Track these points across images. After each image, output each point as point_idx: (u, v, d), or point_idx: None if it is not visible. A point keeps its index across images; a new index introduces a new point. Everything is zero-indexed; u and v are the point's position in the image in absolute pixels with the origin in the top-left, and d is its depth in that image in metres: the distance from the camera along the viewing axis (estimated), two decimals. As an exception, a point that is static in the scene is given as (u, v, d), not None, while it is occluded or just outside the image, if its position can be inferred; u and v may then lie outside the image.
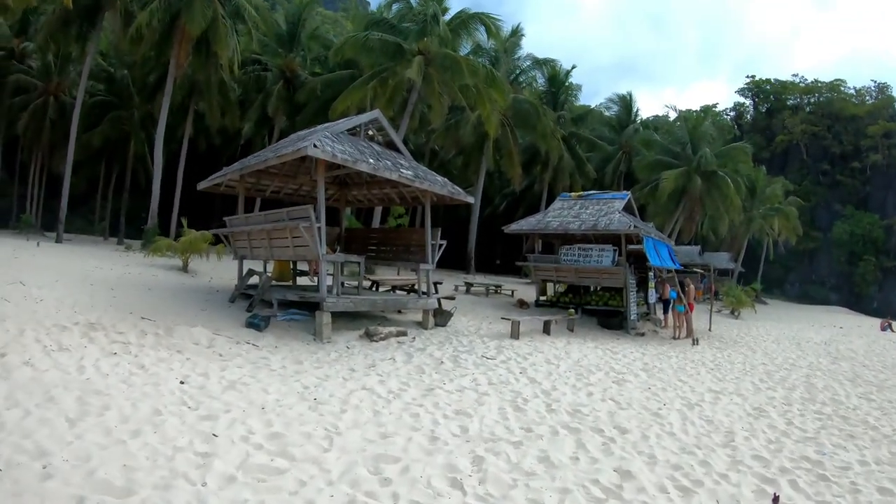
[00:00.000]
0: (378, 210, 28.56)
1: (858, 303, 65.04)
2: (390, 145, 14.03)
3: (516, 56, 39.94)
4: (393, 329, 12.19)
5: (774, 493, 5.33)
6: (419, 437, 6.10)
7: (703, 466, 6.04)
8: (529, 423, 7.08)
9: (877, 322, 37.43)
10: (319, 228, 11.18)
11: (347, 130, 13.08)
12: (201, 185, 15.31)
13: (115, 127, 38.01)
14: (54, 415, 5.39)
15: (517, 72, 40.06)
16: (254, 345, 9.96)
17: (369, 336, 11.61)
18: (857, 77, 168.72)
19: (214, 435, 5.46)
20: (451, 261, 34.28)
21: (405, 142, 22.30)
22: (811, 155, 79.63)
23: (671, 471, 5.83)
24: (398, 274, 19.87)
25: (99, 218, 44.51)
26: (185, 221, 20.46)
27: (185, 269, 18.40)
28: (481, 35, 29.51)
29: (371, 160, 11.91)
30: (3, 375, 6.24)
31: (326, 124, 14.86)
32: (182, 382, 7.12)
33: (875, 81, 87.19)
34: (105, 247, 27.35)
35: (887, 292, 67.38)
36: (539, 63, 41.02)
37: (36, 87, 36.44)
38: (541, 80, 43.32)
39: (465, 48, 31.47)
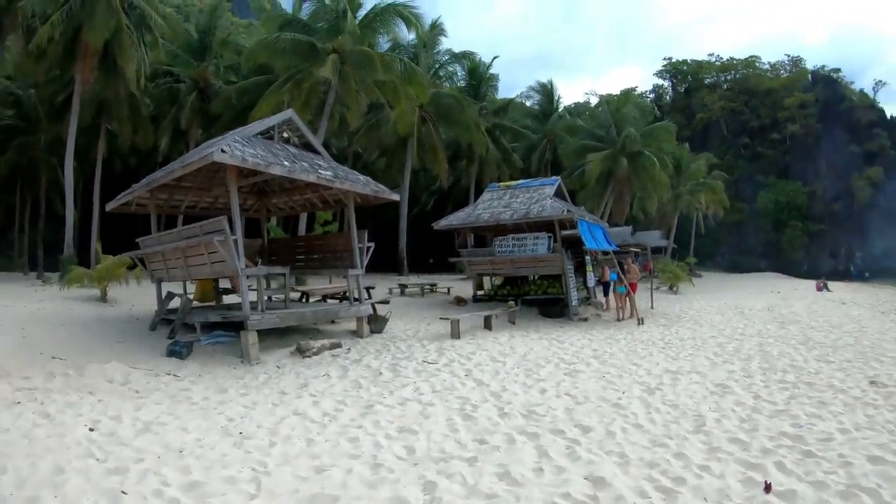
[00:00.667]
0: (303, 217, 27.62)
1: (788, 267, 67.35)
2: (308, 147, 13.29)
3: (436, 51, 39.55)
4: (326, 342, 11.53)
5: (766, 481, 4.91)
6: (360, 466, 5.46)
7: (679, 459, 5.55)
8: (482, 432, 6.51)
9: (811, 284, 38.59)
10: (236, 241, 10.46)
11: (260, 133, 12.40)
12: (109, 206, 14.29)
13: (23, 153, 35.80)
14: (-57, 489, 4.66)
15: (436, 66, 39.67)
16: (175, 375, 9.20)
17: (301, 352, 10.93)
18: (771, 54, 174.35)
19: (123, 492, 4.78)
20: (383, 263, 33.89)
21: (326, 146, 21.54)
22: (731, 130, 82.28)
23: (647, 469, 5.31)
24: (330, 282, 19.15)
25: (18, 253, 42.11)
26: (99, 247, 19.29)
27: (103, 298, 17.22)
28: (400, 30, 28.96)
29: (286, 163, 11.21)
30: None
31: (238, 129, 14.06)
32: (91, 430, 6.37)
33: (789, 55, 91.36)
34: (22, 282, 25.58)
35: (815, 255, 70.24)
36: (458, 57, 40.79)
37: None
38: (461, 74, 43.05)
39: (384, 45, 31.01)
